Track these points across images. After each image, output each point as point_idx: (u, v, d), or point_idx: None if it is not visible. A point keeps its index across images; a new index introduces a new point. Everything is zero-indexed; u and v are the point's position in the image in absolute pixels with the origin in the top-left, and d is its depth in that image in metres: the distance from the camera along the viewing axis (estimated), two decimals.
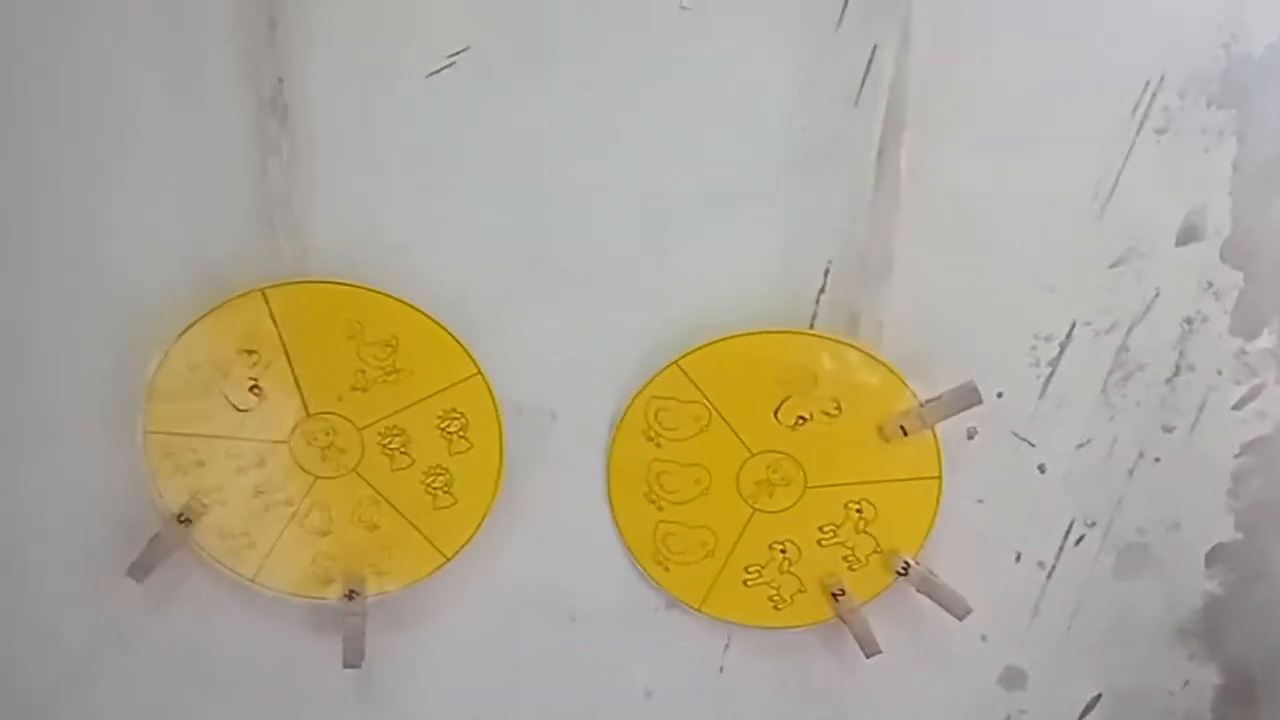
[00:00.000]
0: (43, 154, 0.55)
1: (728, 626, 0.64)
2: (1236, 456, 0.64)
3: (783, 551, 0.61)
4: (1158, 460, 0.64)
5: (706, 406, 0.59)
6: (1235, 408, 0.63)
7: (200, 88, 0.55)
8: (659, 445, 0.60)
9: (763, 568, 0.62)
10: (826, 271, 0.59)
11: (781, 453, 0.60)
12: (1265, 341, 0.62)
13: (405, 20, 0.55)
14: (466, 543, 0.60)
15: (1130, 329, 0.62)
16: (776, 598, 0.62)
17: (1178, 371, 0.63)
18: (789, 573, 0.62)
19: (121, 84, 0.55)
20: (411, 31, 0.55)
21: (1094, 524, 0.65)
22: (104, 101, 0.55)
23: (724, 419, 0.59)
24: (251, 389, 0.57)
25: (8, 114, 0.55)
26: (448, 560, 0.60)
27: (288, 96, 0.54)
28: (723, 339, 0.59)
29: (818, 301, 0.60)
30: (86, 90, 0.55)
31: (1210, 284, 0.61)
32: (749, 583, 0.62)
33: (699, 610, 0.63)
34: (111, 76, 0.55)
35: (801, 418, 0.59)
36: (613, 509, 0.62)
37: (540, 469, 0.61)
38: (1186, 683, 0.68)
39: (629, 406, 0.60)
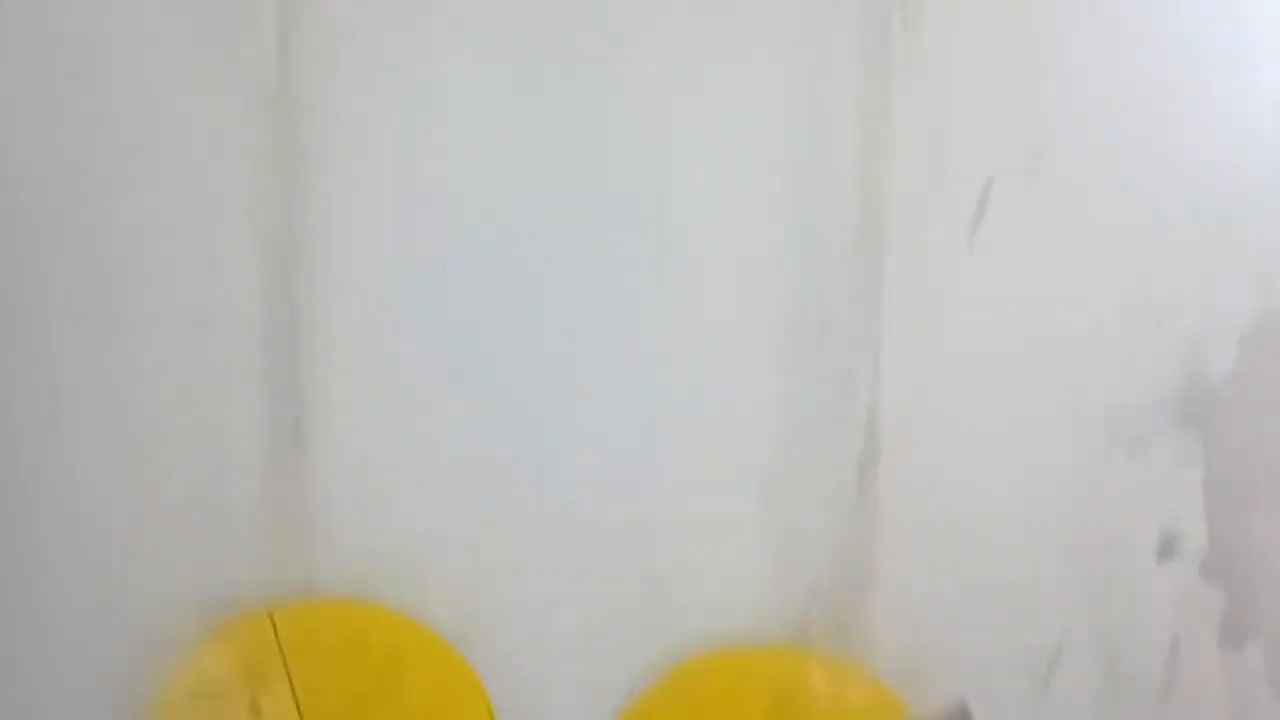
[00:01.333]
0: (56, 482, 0.58)
1: None
2: None
3: None
4: None
5: None
6: None
7: (218, 406, 0.58)
8: None
9: None
10: (814, 586, 0.61)
11: None
12: (1251, 655, 0.63)
13: (412, 330, 0.59)
14: None
15: (1117, 644, 0.62)
16: None
17: (1169, 686, 0.63)
18: None
19: (144, 401, 0.58)
20: (416, 341, 0.59)
21: None
22: (122, 425, 0.58)
23: None
24: (251, 710, 0.57)
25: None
26: None
27: (306, 425, 0.58)
28: (711, 654, 0.59)
29: (806, 615, 0.61)
30: (111, 412, 0.58)
31: (1193, 599, 0.62)
32: None
33: None
34: (137, 398, 0.58)
35: None
36: None
37: None
38: None
39: None
